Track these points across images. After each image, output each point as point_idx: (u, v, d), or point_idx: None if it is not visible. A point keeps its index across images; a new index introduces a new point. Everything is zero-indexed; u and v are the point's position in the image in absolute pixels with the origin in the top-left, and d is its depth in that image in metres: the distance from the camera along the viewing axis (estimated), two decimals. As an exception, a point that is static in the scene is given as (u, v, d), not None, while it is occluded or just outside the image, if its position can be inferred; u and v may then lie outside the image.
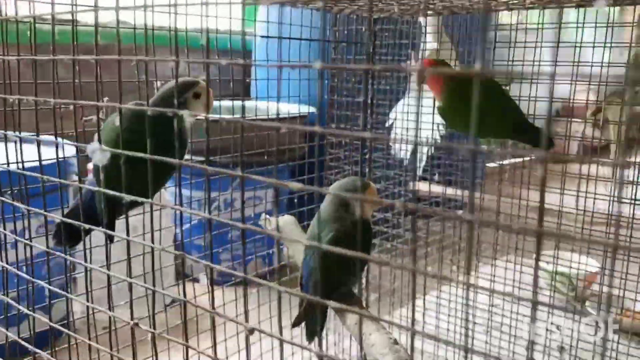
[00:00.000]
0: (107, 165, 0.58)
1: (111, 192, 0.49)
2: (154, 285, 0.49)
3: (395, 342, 0.83)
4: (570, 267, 1.35)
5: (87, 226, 0.54)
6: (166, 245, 1.56)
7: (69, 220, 0.60)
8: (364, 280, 1.55)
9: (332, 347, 1.47)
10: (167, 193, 1.96)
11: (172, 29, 0.47)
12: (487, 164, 2.71)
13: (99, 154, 0.53)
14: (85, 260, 0.64)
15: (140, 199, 0.48)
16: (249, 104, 1.99)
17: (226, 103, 1.95)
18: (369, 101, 1.35)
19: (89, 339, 0.61)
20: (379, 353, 0.82)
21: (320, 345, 1.48)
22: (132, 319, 0.50)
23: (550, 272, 1.67)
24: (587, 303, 1.69)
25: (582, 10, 1.13)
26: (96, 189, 0.55)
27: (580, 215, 1.24)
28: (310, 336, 1.00)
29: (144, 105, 0.85)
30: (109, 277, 0.54)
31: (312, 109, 2.00)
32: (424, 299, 1.45)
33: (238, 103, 2.07)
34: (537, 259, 0.35)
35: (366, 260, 0.97)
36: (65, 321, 1.33)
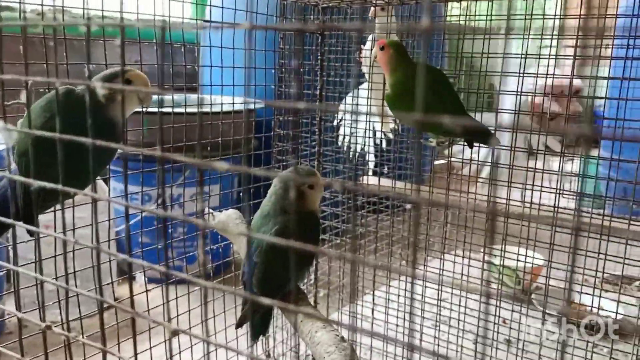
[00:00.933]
0: (24, 150, 0.52)
1: (16, 177, 0.43)
2: (67, 283, 0.43)
3: (342, 339, 0.80)
4: (518, 261, 1.35)
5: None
6: (104, 242, 1.47)
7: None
8: (312, 277, 1.52)
9: (281, 345, 1.43)
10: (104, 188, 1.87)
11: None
12: (436, 162, 2.72)
13: (3, 133, 0.47)
14: (14, 257, 0.58)
15: (48, 185, 0.42)
16: (193, 96, 1.92)
17: (169, 97, 1.88)
18: (319, 92, 1.32)
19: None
20: (325, 351, 0.78)
21: (267, 342, 1.44)
22: (43, 320, 0.44)
23: (497, 266, 1.68)
24: (533, 296, 1.71)
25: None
26: (1, 174, 0.48)
27: (527, 209, 1.24)
28: (255, 336, 0.95)
29: (74, 91, 0.79)
30: (17, 276, 0.49)
31: (260, 104, 1.94)
32: (373, 295, 1.43)
33: (182, 96, 1.99)
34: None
35: (312, 255, 0.94)
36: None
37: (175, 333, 0.37)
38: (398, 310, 1.42)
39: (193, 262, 1.91)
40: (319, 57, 1.36)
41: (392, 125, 1.50)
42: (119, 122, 0.79)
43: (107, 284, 1.03)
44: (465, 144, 1.41)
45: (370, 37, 1.37)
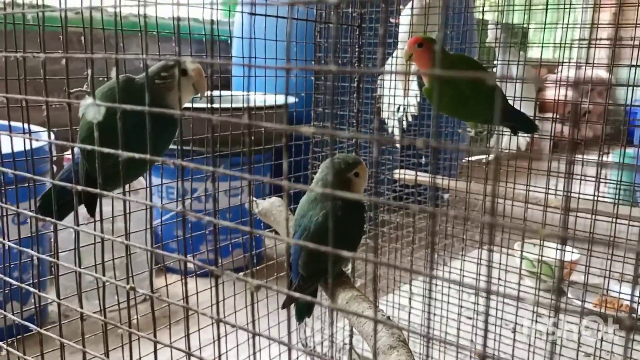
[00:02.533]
0: (102, 126, 0.55)
1: (106, 150, 0.47)
2: (103, 275, 0.46)
3: (388, 318, 0.82)
4: (557, 250, 1.35)
5: (79, 187, 0.51)
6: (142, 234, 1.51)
7: (62, 184, 0.57)
8: (349, 266, 1.54)
9: (318, 334, 1.46)
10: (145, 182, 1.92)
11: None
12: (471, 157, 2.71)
13: (92, 109, 0.51)
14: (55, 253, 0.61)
15: (138, 156, 0.45)
16: (225, 93, 1.96)
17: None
18: (357, 84, 1.34)
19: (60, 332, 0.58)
20: (373, 329, 0.81)
21: (304, 332, 1.47)
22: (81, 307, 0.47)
23: (531, 261, 1.68)
24: (569, 289, 1.71)
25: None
26: (89, 147, 0.52)
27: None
28: (300, 317, 0.98)
29: (134, 79, 0.82)
30: (54, 258, 0.52)
31: (292, 99, 1.98)
32: (411, 285, 1.45)
33: (216, 92, 2.02)
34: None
35: (358, 240, 0.96)
36: (40, 312, 1.29)
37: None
38: (435, 299, 1.43)
39: (227, 255, 1.94)
40: (356, 50, 1.38)
41: (417, 99, 1.51)
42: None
43: (140, 273, 1.06)
44: (502, 134, 1.42)
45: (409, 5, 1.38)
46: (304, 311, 0.97)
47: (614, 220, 1.19)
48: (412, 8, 1.39)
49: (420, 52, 1.06)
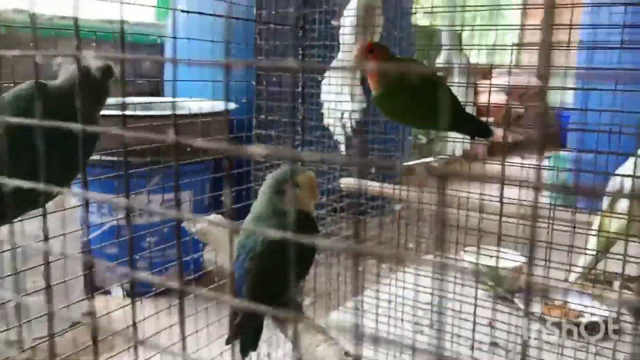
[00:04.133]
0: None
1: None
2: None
3: (347, 354, 0.74)
4: (510, 260, 1.32)
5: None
6: (73, 253, 1.37)
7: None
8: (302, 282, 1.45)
9: (265, 359, 1.35)
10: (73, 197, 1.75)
11: None
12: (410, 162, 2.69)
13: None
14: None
15: (26, 185, 0.35)
16: (160, 100, 1.83)
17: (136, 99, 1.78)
18: (301, 88, 1.26)
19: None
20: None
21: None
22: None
23: (487, 270, 1.65)
24: (515, 295, 1.69)
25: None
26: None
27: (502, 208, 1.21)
28: (244, 351, 0.88)
29: (46, 85, 0.71)
30: None
31: (233, 105, 1.87)
32: (362, 299, 1.37)
33: (148, 99, 1.88)
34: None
35: (311, 260, 0.87)
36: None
37: (142, 342, 0.30)
38: (389, 316, 1.37)
39: (162, 274, 1.80)
40: (300, 52, 1.30)
41: (363, 105, 1.45)
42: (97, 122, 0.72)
43: (81, 300, 0.93)
44: (447, 141, 1.38)
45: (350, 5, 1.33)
46: (249, 345, 0.86)
47: (550, 224, 1.16)
48: (356, 9, 1.33)
49: (372, 57, 1.00)
